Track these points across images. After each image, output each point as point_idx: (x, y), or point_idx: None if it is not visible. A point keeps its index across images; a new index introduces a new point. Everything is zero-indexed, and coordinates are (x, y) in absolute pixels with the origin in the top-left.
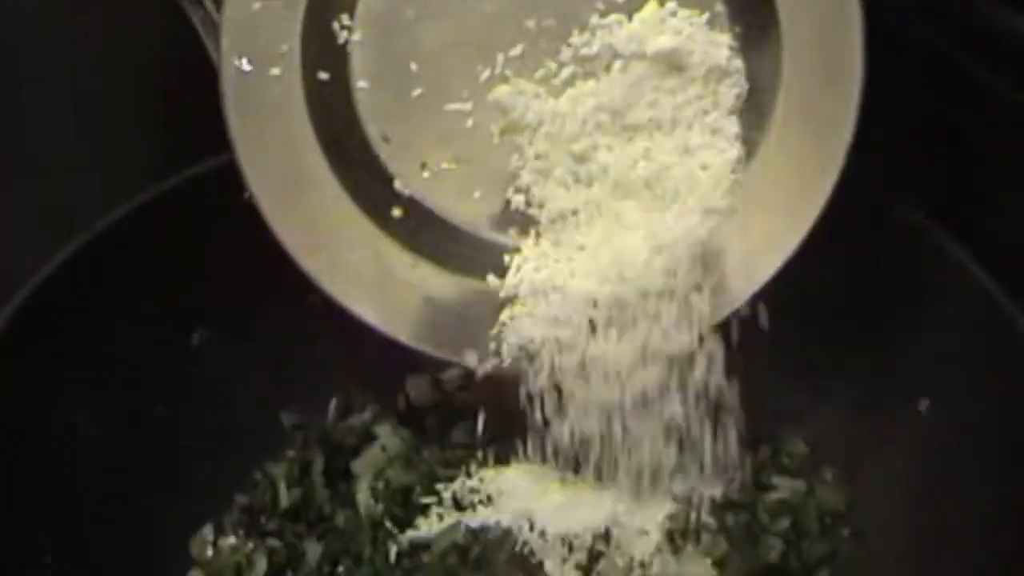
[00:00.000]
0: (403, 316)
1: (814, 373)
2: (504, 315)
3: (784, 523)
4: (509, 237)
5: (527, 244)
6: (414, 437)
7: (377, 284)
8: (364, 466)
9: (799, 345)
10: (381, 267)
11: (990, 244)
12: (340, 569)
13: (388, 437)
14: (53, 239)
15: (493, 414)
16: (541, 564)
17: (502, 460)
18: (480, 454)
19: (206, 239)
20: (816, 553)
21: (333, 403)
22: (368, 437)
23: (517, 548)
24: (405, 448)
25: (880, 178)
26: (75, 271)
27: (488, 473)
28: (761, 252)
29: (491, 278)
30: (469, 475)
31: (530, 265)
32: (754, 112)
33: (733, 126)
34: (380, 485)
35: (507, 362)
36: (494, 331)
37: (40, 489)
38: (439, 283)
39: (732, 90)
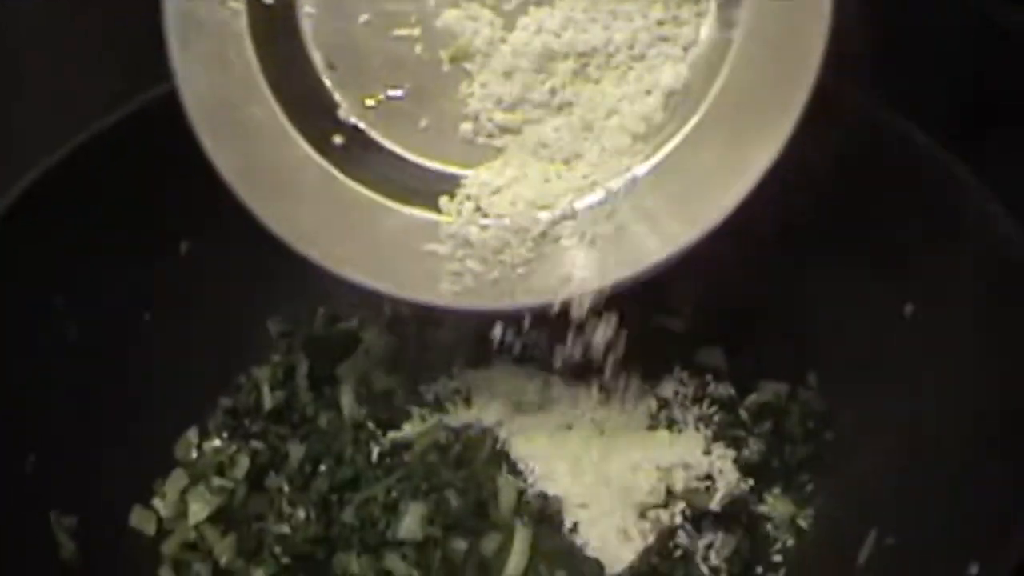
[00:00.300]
0: (345, 248)
1: (798, 280)
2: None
3: (766, 426)
4: (456, 167)
5: (475, 173)
6: (398, 342)
7: (317, 214)
8: (348, 370)
9: (783, 252)
10: (321, 196)
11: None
12: (322, 469)
13: (373, 342)
14: (39, 149)
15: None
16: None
17: (483, 362)
18: (461, 356)
19: (195, 149)
20: (799, 455)
21: (320, 312)
22: (353, 343)
23: (498, 447)
24: (389, 352)
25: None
26: (64, 178)
27: (469, 374)
28: (733, 171)
29: (440, 205)
30: (451, 377)
31: (477, 193)
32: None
33: (689, 55)
34: (363, 389)
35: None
36: (447, 265)
37: (25, 392)
38: (382, 214)
39: (694, 14)
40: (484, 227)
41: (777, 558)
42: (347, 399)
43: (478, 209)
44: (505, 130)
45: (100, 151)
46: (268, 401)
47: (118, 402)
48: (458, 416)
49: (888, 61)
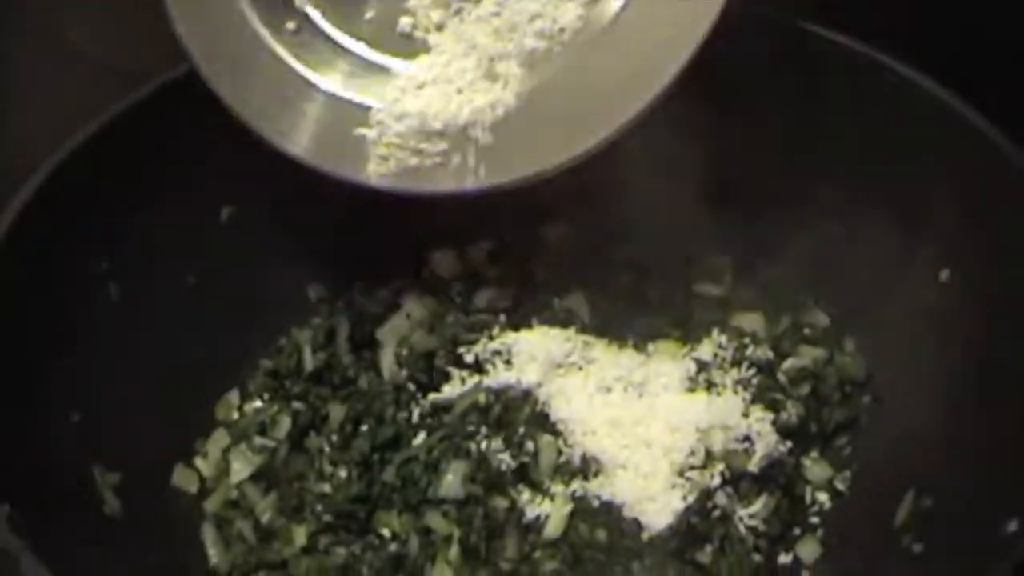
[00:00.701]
0: (288, 125)
1: (835, 247)
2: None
3: (804, 389)
4: (392, 58)
5: (407, 66)
6: (438, 304)
7: (266, 92)
8: (388, 333)
9: (818, 219)
10: (271, 76)
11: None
12: (363, 429)
13: (412, 305)
14: (85, 114)
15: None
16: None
17: (524, 324)
18: (502, 318)
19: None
20: (836, 419)
21: (359, 278)
22: (393, 307)
23: (538, 408)
24: (429, 315)
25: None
26: (107, 143)
27: (510, 336)
28: (642, 75)
29: (373, 92)
30: (491, 338)
31: (405, 85)
32: None
33: None
34: (404, 351)
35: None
36: (374, 149)
37: (70, 351)
38: (322, 96)
39: None
40: (408, 117)
41: (815, 519)
42: (387, 361)
43: (405, 100)
44: (440, 27)
45: (143, 118)
46: (309, 363)
47: (161, 363)
48: (498, 378)
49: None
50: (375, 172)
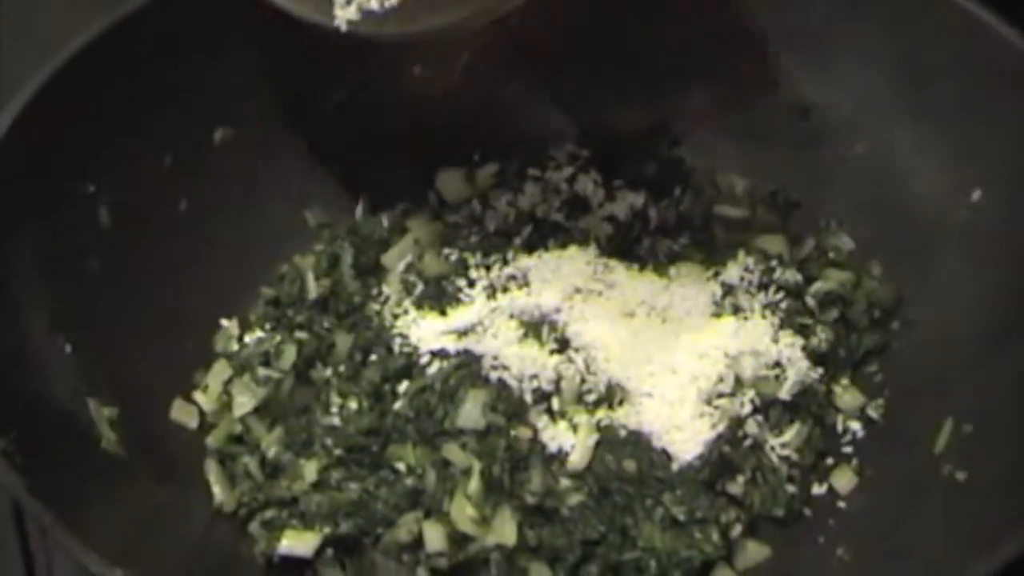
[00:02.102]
0: None
1: (860, 166)
2: None
3: (833, 314)
4: None
5: None
6: (447, 228)
7: None
8: (395, 258)
9: (842, 137)
10: None
11: None
12: (372, 358)
13: (420, 229)
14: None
15: None
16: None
17: (539, 245)
18: (516, 241)
19: (230, 36)
20: (866, 345)
21: (361, 202)
22: (399, 231)
23: (558, 333)
24: (437, 238)
25: None
26: (94, 62)
27: (525, 260)
28: None
29: None
30: (506, 262)
31: None
32: None
33: None
34: (412, 276)
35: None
36: None
37: (58, 276)
38: None
39: None
40: None
41: (848, 449)
42: (395, 288)
43: None
44: None
45: (130, 35)
46: (312, 290)
47: (155, 291)
48: (515, 302)
49: None
50: (343, 18)
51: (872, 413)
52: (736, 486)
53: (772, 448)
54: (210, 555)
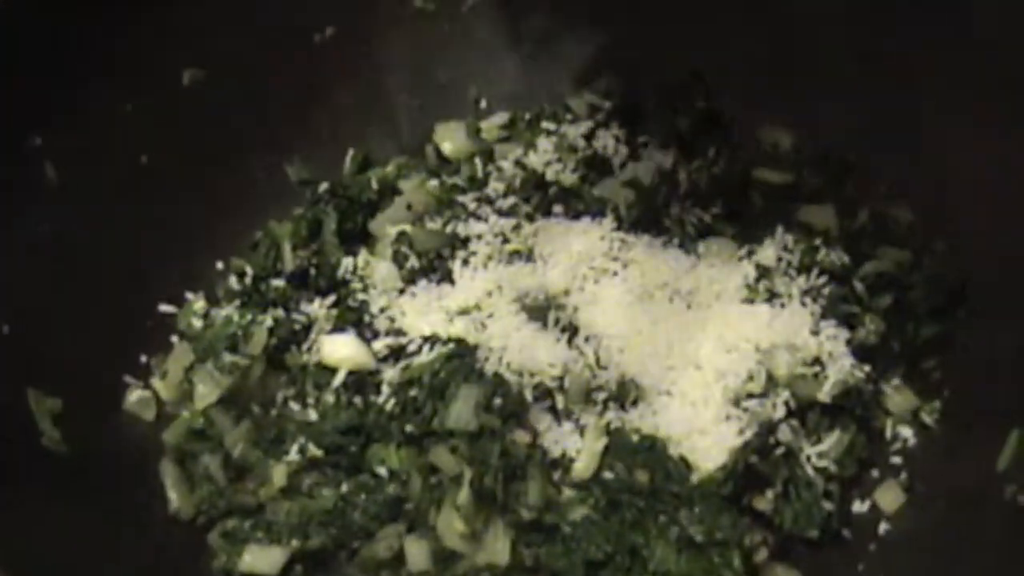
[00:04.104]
0: None
1: (924, 125)
2: None
3: (886, 300)
4: None
5: None
6: (444, 190)
7: None
8: (385, 225)
9: (905, 91)
10: None
11: None
12: None
13: (413, 191)
14: None
15: None
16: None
17: (548, 215)
18: (523, 208)
19: None
20: (924, 336)
21: (349, 155)
22: (390, 193)
23: (565, 320)
24: (433, 203)
25: None
26: None
27: (531, 231)
28: None
29: None
30: (507, 238)
31: None
32: None
33: None
34: (403, 247)
35: None
36: None
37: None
38: None
39: None
40: None
41: (896, 460)
42: (383, 259)
43: None
44: None
45: None
46: (289, 262)
47: (108, 261)
48: (519, 282)
49: None
50: None
51: (927, 418)
52: (764, 502)
53: (808, 458)
54: (163, 572)
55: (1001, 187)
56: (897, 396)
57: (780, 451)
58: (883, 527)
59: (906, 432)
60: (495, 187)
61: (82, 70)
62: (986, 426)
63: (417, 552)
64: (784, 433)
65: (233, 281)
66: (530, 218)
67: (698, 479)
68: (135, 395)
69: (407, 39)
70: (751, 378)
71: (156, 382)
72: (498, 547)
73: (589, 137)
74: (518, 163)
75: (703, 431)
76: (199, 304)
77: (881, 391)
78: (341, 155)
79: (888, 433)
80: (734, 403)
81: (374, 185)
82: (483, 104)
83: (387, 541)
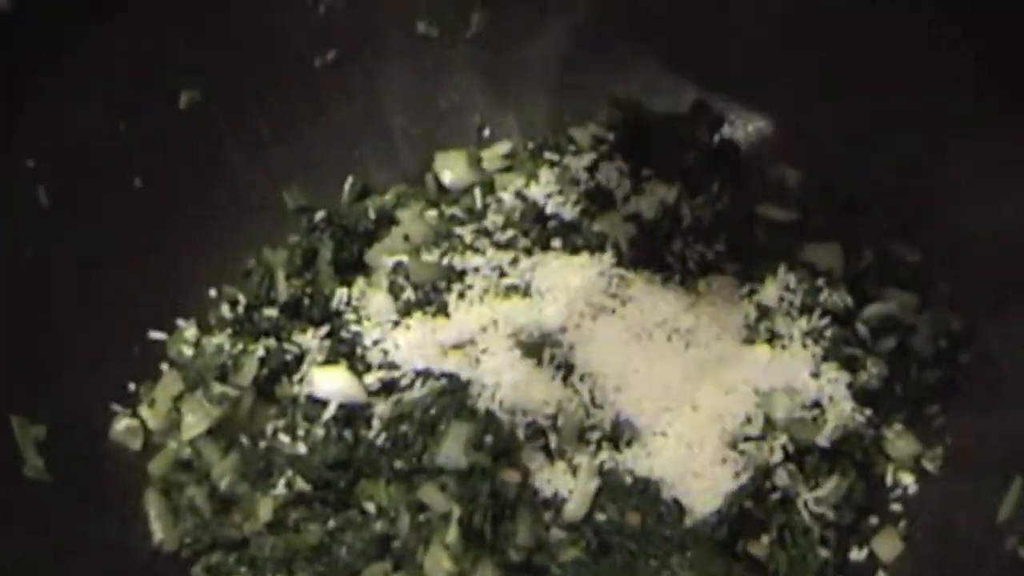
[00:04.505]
0: None
1: (933, 163)
2: None
3: (889, 343)
4: None
5: None
6: (442, 222)
7: None
8: (381, 256)
9: (914, 126)
10: None
11: None
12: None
13: (410, 221)
14: None
15: None
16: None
17: (546, 250)
18: (521, 241)
19: None
20: (928, 380)
21: (348, 182)
22: (387, 222)
23: (560, 359)
24: (431, 235)
25: None
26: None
27: (529, 265)
28: None
29: None
30: (504, 273)
31: None
32: None
33: None
34: (400, 279)
35: None
36: None
37: None
38: None
39: None
40: None
41: (896, 507)
42: (379, 293)
43: None
44: None
45: None
46: (283, 291)
47: (98, 286)
48: (513, 316)
49: None
50: None
51: (928, 465)
52: (759, 547)
53: (805, 503)
54: None
55: (1009, 230)
56: (899, 441)
57: (776, 496)
58: None
59: (907, 479)
60: (494, 220)
61: (77, 91)
62: (989, 474)
63: None
64: (781, 477)
65: (225, 309)
66: (528, 252)
67: (691, 523)
68: (122, 424)
69: (409, 65)
70: (748, 420)
71: (144, 410)
72: None
73: (592, 169)
74: (518, 194)
75: (698, 474)
76: (190, 332)
77: (882, 436)
78: (339, 182)
79: (889, 479)
80: (731, 446)
81: (371, 214)
82: (486, 133)
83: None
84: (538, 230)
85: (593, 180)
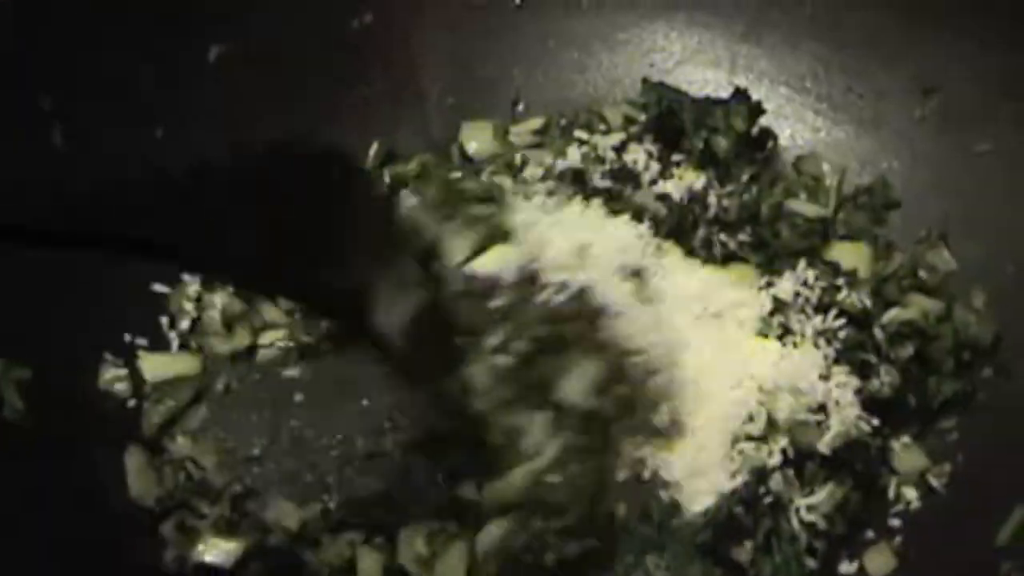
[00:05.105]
0: None
1: (960, 165)
2: None
3: (907, 350)
4: None
5: None
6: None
7: None
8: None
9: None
10: None
11: None
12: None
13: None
14: None
15: None
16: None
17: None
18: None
19: None
20: (944, 393)
21: (374, 148)
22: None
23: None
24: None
25: None
26: None
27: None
28: None
29: None
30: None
31: None
32: None
33: None
34: None
35: None
36: None
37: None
38: None
39: None
40: None
41: (895, 522)
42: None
43: None
44: None
45: None
46: None
47: (108, 231)
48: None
49: None
50: None
51: (934, 481)
52: (743, 552)
53: (796, 510)
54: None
55: None
56: (905, 455)
57: (768, 499)
58: None
59: (911, 494)
60: (532, 172)
61: (105, 36)
62: (995, 497)
63: (370, 564)
64: (776, 481)
65: None
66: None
67: (677, 523)
68: (111, 373)
69: (448, 31)
70: (751, 419)
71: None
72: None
73: (620, 150)
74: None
75: (695, 472)
76: (192, 288)
77: (889, 448)
78: (367, 146)
79: (891, 493)
80: (731, 444)
81: (387, 179)
82: (520, 108)
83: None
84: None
85: (620, 160)
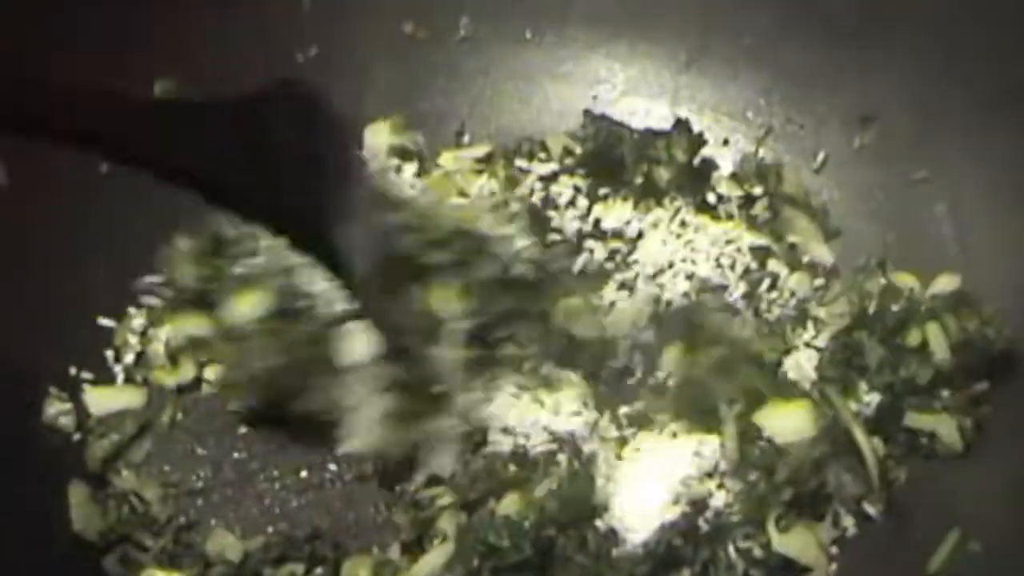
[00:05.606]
0: None
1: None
2: None
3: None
4: None
5: None
6: None
7: None
8: None
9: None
10: None
11: None
12: None
13: None
14: None
15: None
16: None
17: None
18: None
19: None
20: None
21: None
22: None
23: None
24: None
25: None
26: None
27: None
28: None
29: None
30: None
31: None
32: None
33: None
34: None
35: None
36: None
37: None
38: None
39: None
40: None
41: (832, 550)
42: None
43: None
44: None
45: None
46: None
47: (54, 270)
48: None
49: None
50: None
51: (870, 509)
52: None
53: (734, 539)
54: None
55: None
56: (844, 480)
57: (705, 528)
58: None
59: (847, 521)
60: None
61: (42, 64)
62: (930, 524)
63: None
64: (714, 508)
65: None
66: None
67: (616, 554)
68: (55, 407)
69: (393, 63)
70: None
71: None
72: None
73: (548, 180)
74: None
75: (641, 498)
76: (138, 320)
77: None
78: None
79: (828, 519)
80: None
81: None
82: (466, 139)
83: None
84: None
85: (545, 192)
